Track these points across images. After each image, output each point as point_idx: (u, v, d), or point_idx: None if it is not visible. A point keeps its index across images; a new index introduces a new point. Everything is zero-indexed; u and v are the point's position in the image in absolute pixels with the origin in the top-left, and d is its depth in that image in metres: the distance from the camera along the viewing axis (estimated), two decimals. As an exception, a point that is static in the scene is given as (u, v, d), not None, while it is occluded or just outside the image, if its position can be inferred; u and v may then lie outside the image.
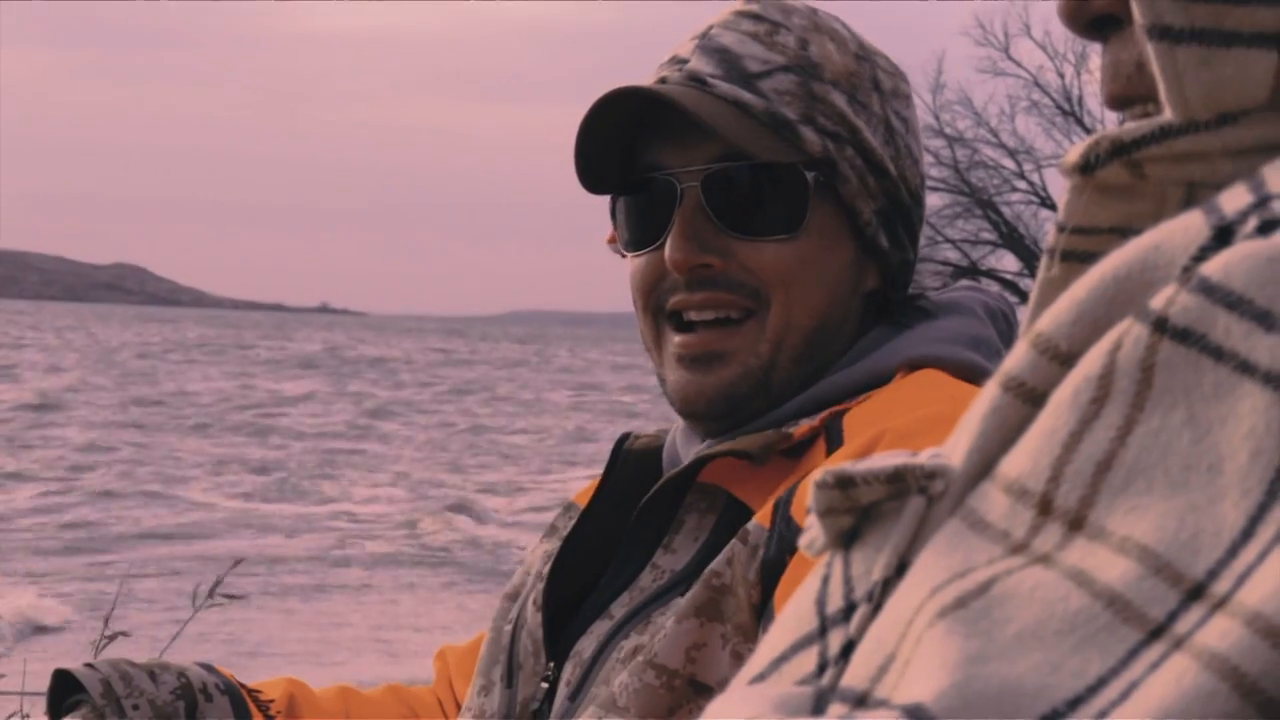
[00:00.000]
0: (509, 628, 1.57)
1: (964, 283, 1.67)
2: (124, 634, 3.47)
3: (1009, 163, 32.38)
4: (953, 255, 30.84)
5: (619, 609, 1.46)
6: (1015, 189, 32.58)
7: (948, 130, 31.64)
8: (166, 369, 52.74)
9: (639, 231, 1.54)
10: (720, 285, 1.50)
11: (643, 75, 1.59)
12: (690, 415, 1.54)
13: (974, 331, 1.55)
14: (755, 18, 1.54)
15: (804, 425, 1.47)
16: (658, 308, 1.53)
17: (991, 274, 30.61)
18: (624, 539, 1.51)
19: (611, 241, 1.60)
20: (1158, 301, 0.59)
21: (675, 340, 1.52)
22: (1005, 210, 32.39)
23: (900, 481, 0.63)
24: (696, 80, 1.50)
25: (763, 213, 1.50)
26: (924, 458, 0.64)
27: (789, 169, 1.50)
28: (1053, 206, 32.74)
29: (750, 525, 1.40)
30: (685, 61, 1.52)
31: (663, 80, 1.52)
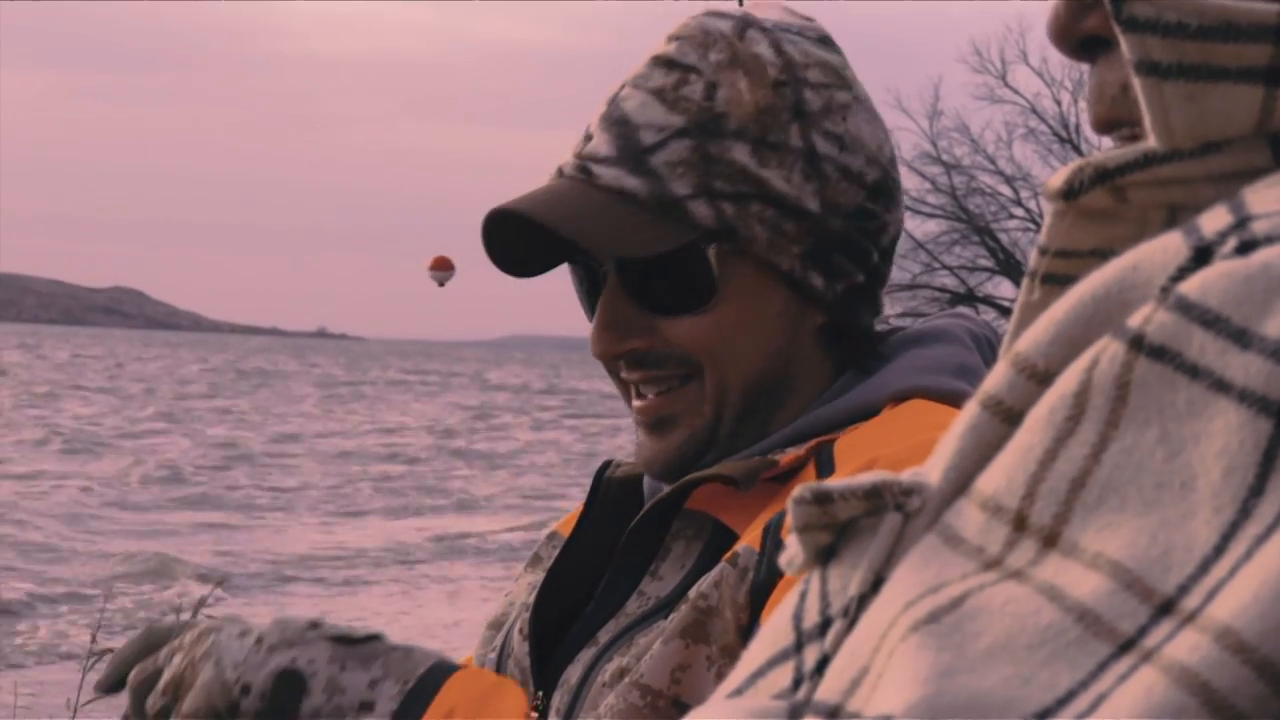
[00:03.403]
0: (493, 656, 1.57)
1: (950, 310, 1.66)
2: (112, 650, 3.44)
3: (1006, 189, 32.41)
4: (950, 282, 30.86)
5: (605, 635, 1.46)
6: (1012, 216, 32.59)
7: (945, 157, 31.63)
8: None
9: (585, 305, 1.56)
10: (650, 363, 1.51)
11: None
12: (653, 477, 1.56)
13: (960, 359, 1.54)
14: (669, 64, 1.51)
15: (790, 454, 1.46)
16: (614, 374, 1.56)
17: (989, 300, 30.61)
18: (611, 566, 1.51)
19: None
20: (1135, 320, 0.59)
21: (634, 405, 1.55)
22: (1002, 237, 32.40)
23: (877, 498, 0.64)
24: (584, 172, 1.49)
25: (674, 291, 1.50)
26: (902, 475, 0.64)
27: (688, 248, 1.48)
28: (1050, 234, 32.69)
29: (740, 548, 1.40)
30: (590, 138, 1.52)
31: (560, 172, 1.51)
